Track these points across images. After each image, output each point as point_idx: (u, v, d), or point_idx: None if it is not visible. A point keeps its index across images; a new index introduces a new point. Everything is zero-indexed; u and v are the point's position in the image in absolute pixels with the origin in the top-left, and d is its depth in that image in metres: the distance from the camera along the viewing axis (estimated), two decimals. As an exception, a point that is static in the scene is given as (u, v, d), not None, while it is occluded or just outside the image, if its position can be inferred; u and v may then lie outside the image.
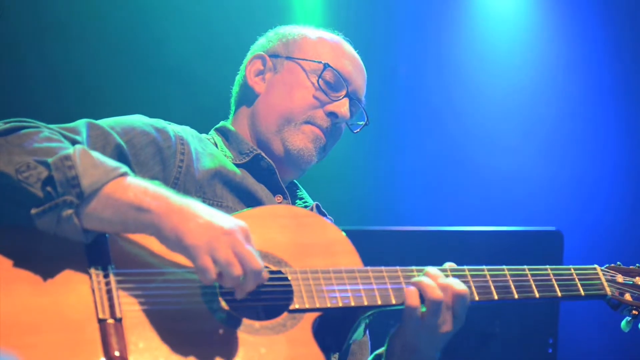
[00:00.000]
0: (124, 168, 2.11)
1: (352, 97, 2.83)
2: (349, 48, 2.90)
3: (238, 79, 2.95)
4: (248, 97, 2.86)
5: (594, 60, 5.79)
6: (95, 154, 2.11)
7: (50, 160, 2.05)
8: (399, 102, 5.85)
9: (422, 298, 2.33)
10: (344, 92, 2.81)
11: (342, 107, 2.79)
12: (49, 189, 2.03)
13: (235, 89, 2.95)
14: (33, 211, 2.03)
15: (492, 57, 5.86)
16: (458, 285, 2.35)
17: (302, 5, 5.55)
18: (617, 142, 5.76)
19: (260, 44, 2.94)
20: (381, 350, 2.60)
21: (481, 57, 5.86)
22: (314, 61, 2.81)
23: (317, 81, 2.79)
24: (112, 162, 2.12)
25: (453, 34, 5.86)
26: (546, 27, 5.85)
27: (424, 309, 2.33)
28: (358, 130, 2.91)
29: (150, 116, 2.64)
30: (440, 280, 2.35)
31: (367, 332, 2.75)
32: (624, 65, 5.75)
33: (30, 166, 2.05)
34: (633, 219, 5.62)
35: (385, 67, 5.70)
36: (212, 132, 2.88)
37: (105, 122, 2.44)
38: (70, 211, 2.03)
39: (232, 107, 2.94)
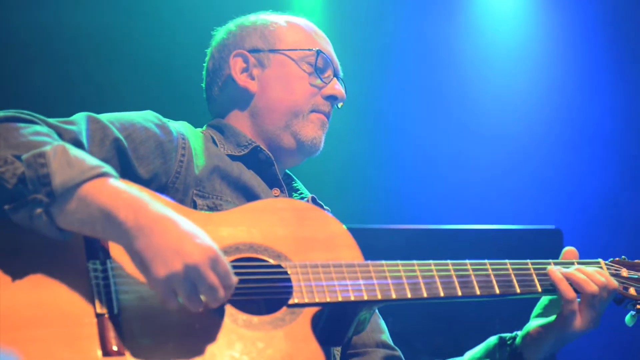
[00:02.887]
0: (105, 168, 2.03)
1: (337, 76, 2.85)
2: (316, 27, 2.90)
3: (214, 79, 2.85)
4: (241, 98, 2.80)
5: (592, 59, 5.80)
6: (77, 152, 2.04)
7: (24, 156, 2.00)
8: (399, 99, 5.84)
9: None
10: (330, 72, 2.82)
11: (337, 87, 2.81)
12: (22, 185, 1.98)
13: (214, 92, 2.85)
14: (6, 207, 1.99)
15: (491, 55, 5.86)
16: (610, 280, 2.47)
17: (301, 4, 5.55)
18: (616, 140, 5.77)
19: (224, 40, 2.86)
20: (507, 335, 2.67)
21: (480, 55, 5.86)
22: (303, 49, 2.79)
23: (314, 69, 2.78)
24: (92, 161, 2.03)
25: (455, 31, 5.86)
26: (546, 23, 5.86)
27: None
28: (341, 104, 2.89)
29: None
30: (591, 274, 2.46)
31: (377, 310, 2.74)
32: (622, 64, 5.76)
33: (8, 161, 2.00)
34: (633, 216, 5.62)
35: (384, 64, 5.70)
36: (206, 127, 2.82)
37: (105, 117, 2.41)
38: (39, 210, 1.98)
39: (217, 110, 2.85)
